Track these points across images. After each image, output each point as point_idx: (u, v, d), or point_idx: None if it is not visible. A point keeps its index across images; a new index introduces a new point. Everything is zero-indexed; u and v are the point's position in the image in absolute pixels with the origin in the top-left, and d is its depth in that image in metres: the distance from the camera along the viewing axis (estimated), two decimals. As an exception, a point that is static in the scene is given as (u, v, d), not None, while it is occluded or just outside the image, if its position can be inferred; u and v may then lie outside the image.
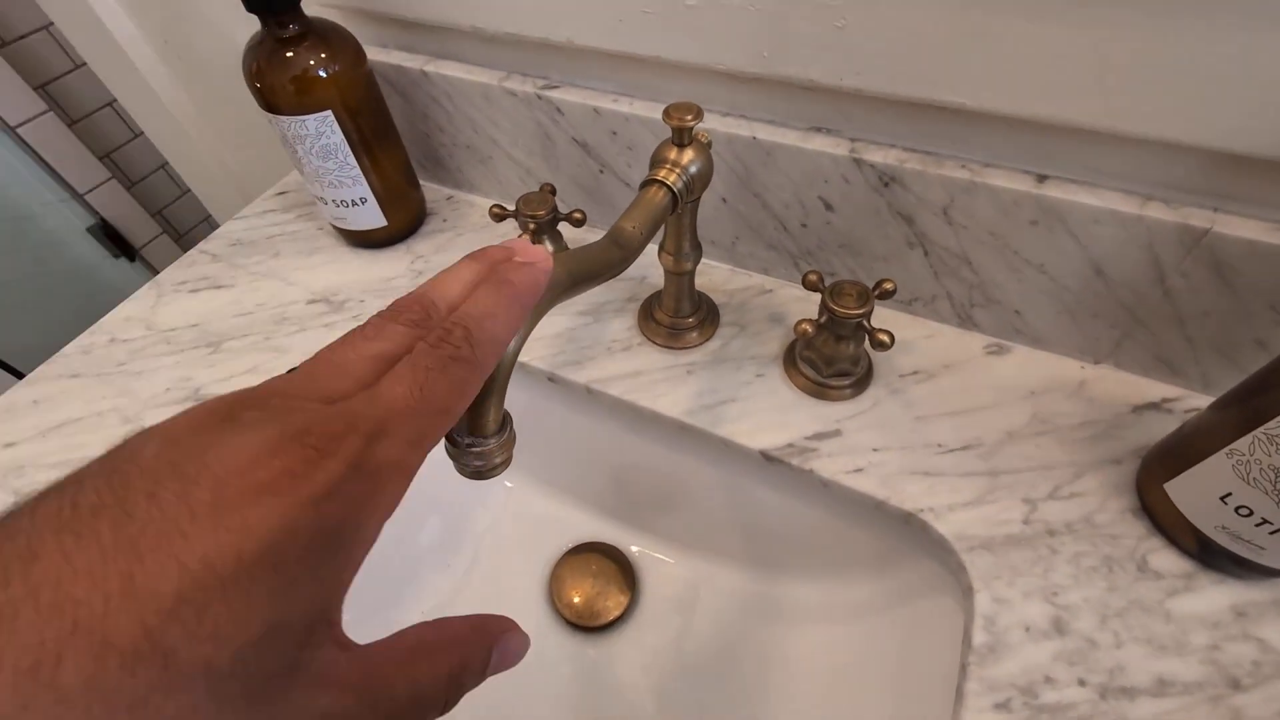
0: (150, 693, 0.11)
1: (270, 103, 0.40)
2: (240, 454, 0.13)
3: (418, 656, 0.16)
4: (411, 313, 0.17)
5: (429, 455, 0.22)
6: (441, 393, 0.16)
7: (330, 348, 0.16)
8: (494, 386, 0.21)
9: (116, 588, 0.11)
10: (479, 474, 0.23)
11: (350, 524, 0.14)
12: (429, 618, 0.54)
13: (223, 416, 0.14)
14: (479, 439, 0.22)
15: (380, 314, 0.17)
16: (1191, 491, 0.29)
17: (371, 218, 0.47)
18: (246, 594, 0.12)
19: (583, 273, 0.25)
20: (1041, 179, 0.33)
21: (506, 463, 0.23)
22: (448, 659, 0.16)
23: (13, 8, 0.94)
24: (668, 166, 0.31)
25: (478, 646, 0.17)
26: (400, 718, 0.15)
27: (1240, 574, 0.30)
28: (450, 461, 0.23)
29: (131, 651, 0.11)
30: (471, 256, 0.20)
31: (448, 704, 0.16)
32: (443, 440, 0.23)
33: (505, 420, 0.23)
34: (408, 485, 0.15)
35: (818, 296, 0.36)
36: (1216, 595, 0.30)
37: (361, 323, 0.17)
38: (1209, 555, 0.30)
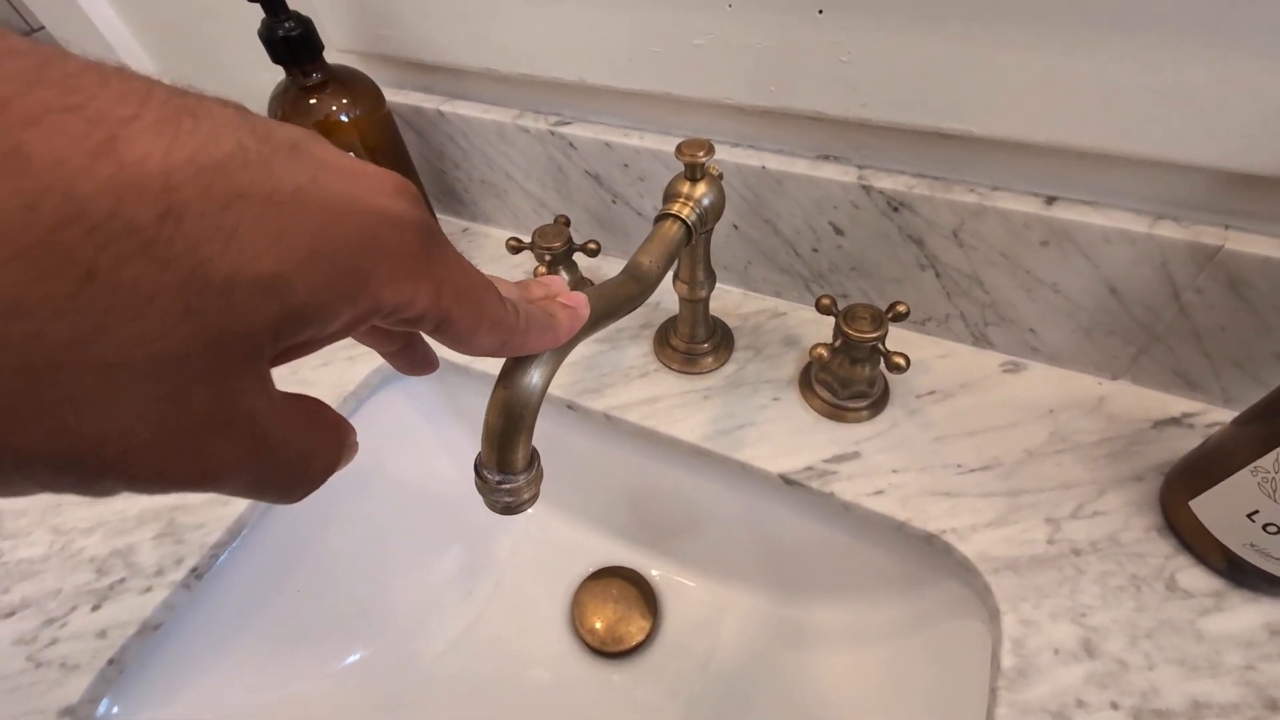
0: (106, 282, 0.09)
1: (294, 147, 0.42)
2: (331, 147, 0.13)
3: (318, 424, 0.15)
4: None
5: (452, 481, 0.22)
6: (487, 301, 0.16)
7: None
8: (523, 425, 0.22)
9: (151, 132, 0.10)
10: (509, 509, 0.23)
11: (386, 265, 0.13)
12: (455, 647, 0.54)
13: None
14: (508, 475, 0.23)
15: None
16: (1218, 509, 0.29)
17: (391, 253, 0.48)
18: (279, 227, 0.11)
19: (603, 310, 0.26)
20: (1050, 201, 0.33)
21: (535, 498, 0.24)
22: (337, 441, 0.16)
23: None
24: (681, 200, 0.32)
25: (346, 441, 0.17)
26: (288, 470, 0.14)
27: (1272, 591, 0.29)
28: (474, 493, 0.23)
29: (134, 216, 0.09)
30: (514, 283, 0.20)
31: (312, 487, 0.15)
32: (473, 477, 0.23)
33: (533, 457, 0.23)
34: (420, 306, 0.14)
35: (831, 318, 0.36)
36: (1249, 614, 0.29)
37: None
38: (1239, 573, 0.30)
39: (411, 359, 0.23)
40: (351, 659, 0.43)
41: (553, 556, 0.50)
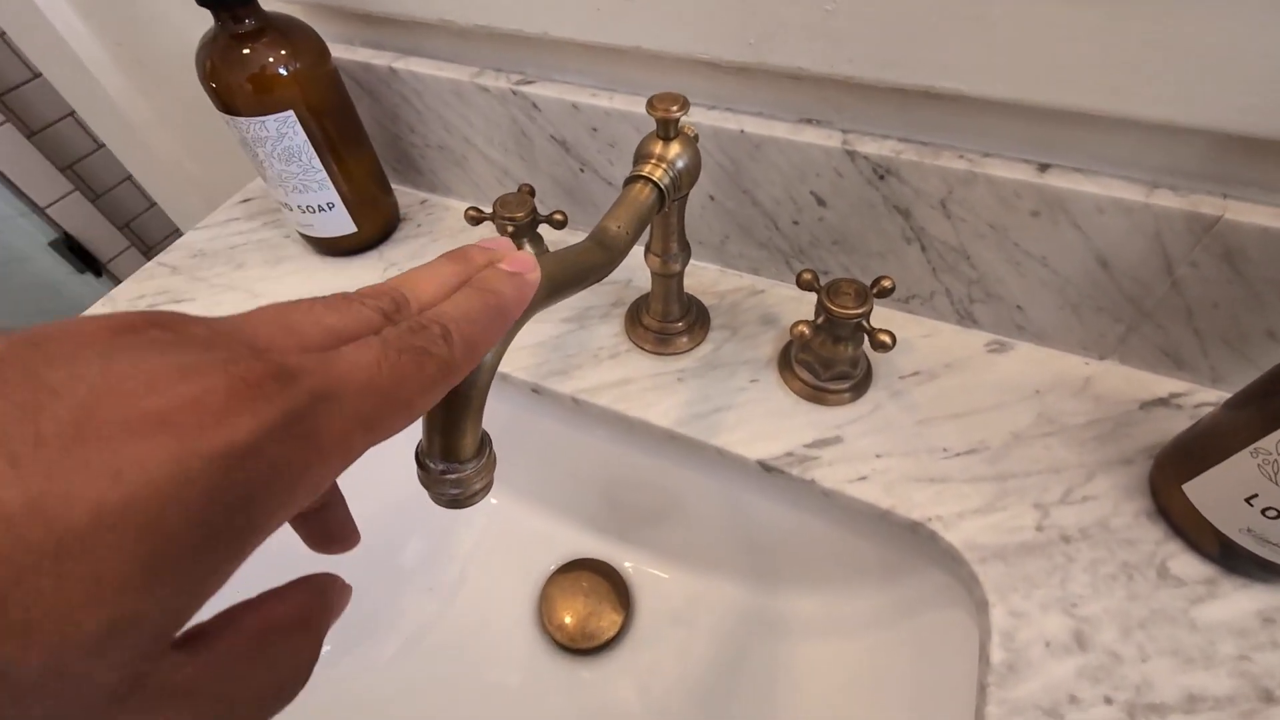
0: None
1: (227, 103, 0.38)
2: (136, 371, 0.09)
3: (271, 638, 0.13)
4: (380, 300, 0.14)
5: (410, 470, 0.20)
6: (410, 381, 0.13)
7: (278, 305, 0.13)
8: (470, 407, 0.19)
9: None
10: (456, 502, 0.21)
11: (262, 498, 0.10)
12: (412, 646, 0.50)
13: (122, 328, 0.10)
14: (454, 465, 0.20)
15: (343, 293, 0.14)
16: (1213, 493, 0.28)
17: (340, 224, 0.44)
18: (93, 569, 0.08)
19: (565, 278, 0.23)
20: (1043, 168, 0.31)
21: (486, 489, 0.21)
22: (308, 639, 0.14)
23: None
24: (653, 161, 0.29)
25: (321, 612, 0.15)
26: (260, 709, 0.12)
27: (1264, 577, 0.28)
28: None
29: None
30: (449, 256, 0.17)
31: (304, 682, 0.13)
32: (415, 468, 0.21)
33: (484, 442, 0.21)
34: (336, 475, 0.12)
35: (811, 296, 0.34)
36: (1242, 601, 0.28)
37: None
38: (1232, 559, 0.28)
39: (322, 533, 0.19)
40: (299, 662, 0.40)
41: (519, 549, 0.47)
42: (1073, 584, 0.29)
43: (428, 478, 0.20)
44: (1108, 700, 0.26)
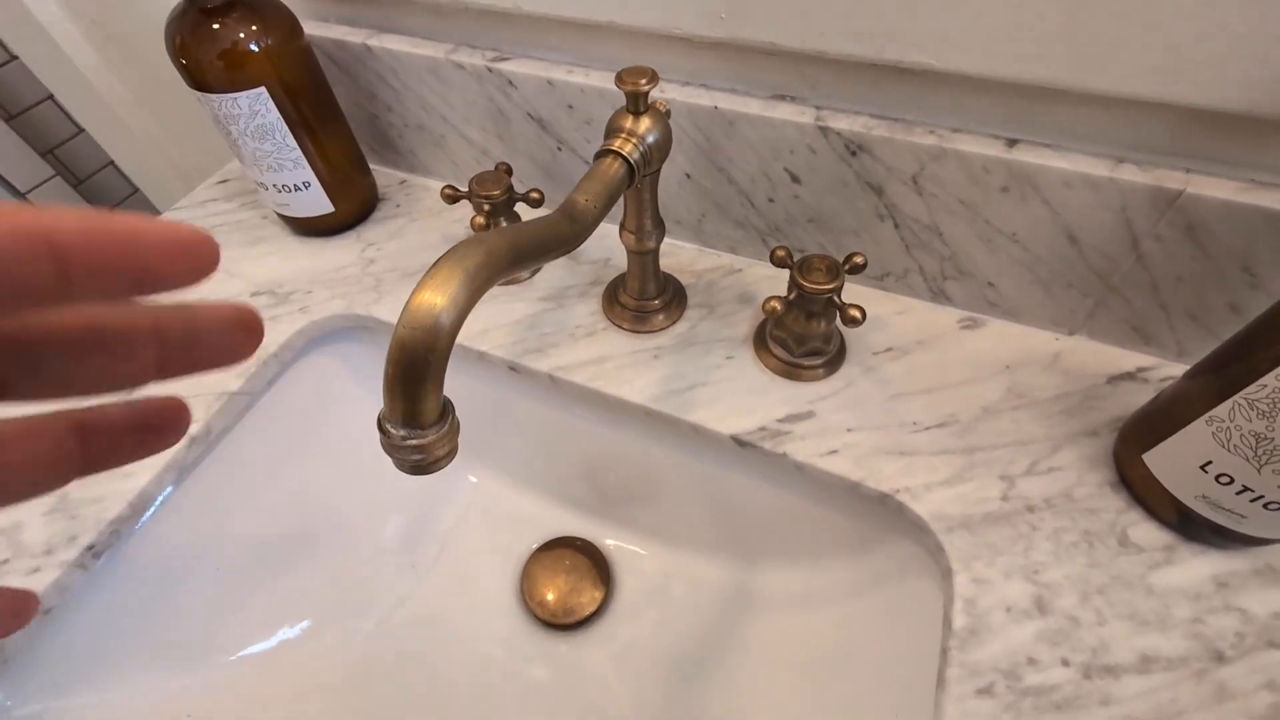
0: None
1: (198, 80, 0.37)
2: None
3: None
4: None
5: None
6: None
7: None
8: (428, 370, 0.20)
9: None
10: (419, 469, 0.21)
11: None
12: (395, 624, 0.51)
13: None
14: (415, 430, 0.20)
15: None
16: (1171, 461, 0.28)
17: (317, 204, 0.44)
18: None
19: (527, 246, 0.23)
20: (1011, 143, 0.32)
21: (451, 454, 0.21)
22: None
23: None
24: (623, 136, 0.29)
25: None
26: None
27: (1220, 544, 0.29)
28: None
29: None
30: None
31: None
32: (378, 433, 0.21)
33: (446, 408, 0.21)
34: None
35: (787, 274, 0.34)
36: (1197, 566, 0.29)
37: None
38: (1189, 526, 0.29)
39: None
40: (280, 639, 0.41)
41: (500, 527, 0.48)
42: (1035, 552, 0.30)
43: (389, 443, 0.20)
44: (1065, 662, 0.27)
